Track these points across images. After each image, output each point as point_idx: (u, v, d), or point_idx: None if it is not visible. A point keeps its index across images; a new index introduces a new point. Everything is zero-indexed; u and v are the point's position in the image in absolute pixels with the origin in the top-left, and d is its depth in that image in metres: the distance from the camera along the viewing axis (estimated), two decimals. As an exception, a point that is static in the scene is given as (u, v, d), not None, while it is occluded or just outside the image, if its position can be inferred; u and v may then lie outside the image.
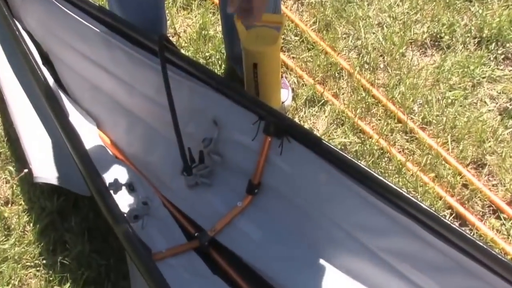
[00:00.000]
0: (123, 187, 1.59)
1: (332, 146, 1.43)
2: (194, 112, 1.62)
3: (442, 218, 1.27)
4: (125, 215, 1.48)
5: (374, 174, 1.35)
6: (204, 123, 1.60)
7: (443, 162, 1.80)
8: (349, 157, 1.39)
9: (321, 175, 1.44)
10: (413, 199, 1.31)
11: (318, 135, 1.92)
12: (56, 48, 1.85)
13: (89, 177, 1.40)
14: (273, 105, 1.68)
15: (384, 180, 1.34)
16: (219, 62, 2.10)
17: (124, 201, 1.57)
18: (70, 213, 1.68)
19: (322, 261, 1.45)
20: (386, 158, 1.83)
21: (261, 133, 1.50)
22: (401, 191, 1.33)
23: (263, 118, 1.49)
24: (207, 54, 2.13)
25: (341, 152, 1.40)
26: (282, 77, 2.03)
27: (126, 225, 1.30)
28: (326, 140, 1.47)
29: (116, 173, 1.64)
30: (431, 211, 1.28)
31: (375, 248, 1.39)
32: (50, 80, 1.78)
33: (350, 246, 1.42)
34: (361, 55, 2.11)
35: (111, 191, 1.52)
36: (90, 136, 1.74)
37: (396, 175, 1.77)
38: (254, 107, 1.50)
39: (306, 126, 1.96)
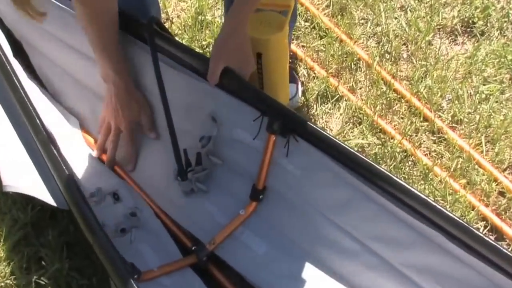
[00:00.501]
0: (107, 197, 1.58)
1: (347, 147, 1.41)
2: (190, 107, 1.61)
3: (475, 230, 1.27)
4: (110, 228, 1.49)
5: (396, 179, 1.34)
6: (202, 120, 1.59)
7: (476, 167, 1.80)
8: (367, 160, 1.38)
9: (334, 179, 1.43)
10: (441, 208, 1.30)
11: (331, 135, 1.92)
12: (31, 36, 1.82)
13: (65, 187, 1.37)
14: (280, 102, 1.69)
15: (408, 186, 1.33)
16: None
17: (109, 213, 1.56)
18: (46, 225, 1.66)
19: (334, 278, 1.44)
20: (410, 162, 1.83)
21: (264, 131, 1.49)
22: (427, 199, 1.32)
23: (266, 114, 1.48)
24: (204, 42, 2.11)
25: (357, 154, 1.39)
26: (290, 69, 2.03)
27: (106, 241, 1.30)
28: (341, 140, 1.47)
29: (101, 180, 1.64)
30: (463, 222, 1.28)
31: (396, 263, 1.39)
32: (22, 74, 1.75)
33: (367, 260, 1.41)
34: (381, 43, 2.11)
35: (93, 202, 1.52)
36: (72, 137, 1.73)
37: (422, 181, 1.77)
38: (255, 101, 1.49)
39: (318, 125, 1.94)
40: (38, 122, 1.51)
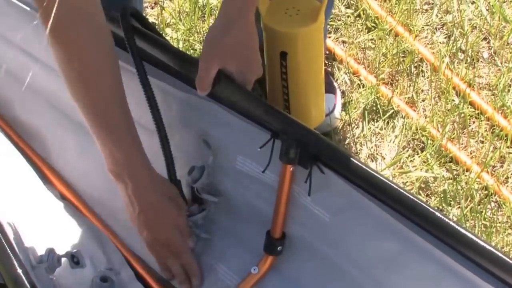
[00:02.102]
0: (64, 260, 1.53)
1: (395, 185, 1.36)
2: (174, 127, 1.58)
3: None
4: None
5: (467, 233, 1.28)
6: (191, 145, 1.60)
7: None
8: (424, 204, 1.33)
9: (378, 227, 1.40)
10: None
11: (384, 164, 1.90)
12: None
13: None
14: (314, 121, 1.64)
15: (483, 243, 1.27)
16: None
17: (68, 281, 1.54)
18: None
19: None
20: (493, 204, 1.81)
21: (277, 160, 1.46)
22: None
23: (277, 136, 1.45)
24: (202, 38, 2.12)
25: (411, 195, 1.34)
26: (325, 74, 2.02)
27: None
28: (394, 173, 1.45)
29: (58, 231, 1.62)
30: None
31: None
32: None
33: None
34: (452, 38, 2.10)
35: (44, 269, 1.48)
36: (18, 169, 1.73)
37: (511, 231, 1.75)
38: (263, 118, 1.46)
39: (365, 151, 1.92)
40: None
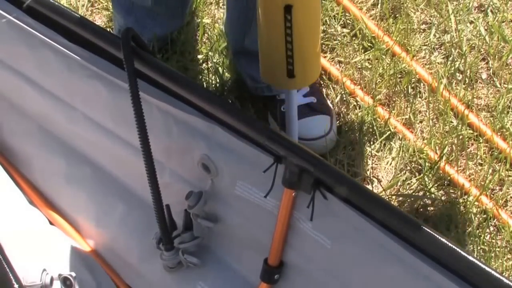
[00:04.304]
0: (55, 283, 1.56)
1: (398, 210, 1.38)
2: (171, 150, 1.61)
3: None
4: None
5: (470, 258, 1.28)
6: (189, 169, 1.61)
7: None
8: (427, 229, 1.33)
9: (380, 254, 1.39)
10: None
11: (380, 187, 1.90)
12: None
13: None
14: (316, 75, 1.64)
15: (487, 268, 1.27)
16: (219, 68, 2.11)
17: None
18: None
19: None
20: (492, 228, 1.83)
21: (279, 185, 1.47)
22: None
23: (281, 160, 1.46)
24: (199, 56, 2.13)
25: (414, 219, 1.36)
26: (321, 94, 2.03)
27: None
28: (391, 196, 1.45)
29: (48, 255, 1.64)
30: None
31: None
32: None
33: None
34: (450, 58, 2.12)
35: None
36: (4, 190, 1.75)
37: (510, 256, 1.76)
38: (266, 142, 1.46)
39: (361, 173, 1.92)
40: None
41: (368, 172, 1.94)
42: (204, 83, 2.09)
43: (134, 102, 1.48)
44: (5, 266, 1.39)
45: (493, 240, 1.81)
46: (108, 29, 2.14)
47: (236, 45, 2.02)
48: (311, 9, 1.57)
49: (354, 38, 2.17)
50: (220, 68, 2.11)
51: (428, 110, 2.03)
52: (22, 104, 1.83)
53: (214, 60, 2.12)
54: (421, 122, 2.02)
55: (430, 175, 1.91)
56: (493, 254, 1.77)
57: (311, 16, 1.58)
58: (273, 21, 1.55)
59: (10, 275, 1.37)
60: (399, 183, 1.91)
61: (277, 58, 1.59)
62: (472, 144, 1.97)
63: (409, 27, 2.17)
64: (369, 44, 2.16)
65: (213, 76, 2.10)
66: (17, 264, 1.43)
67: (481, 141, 1.97)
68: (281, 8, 1.52)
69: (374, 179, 1.93)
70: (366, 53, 2.14)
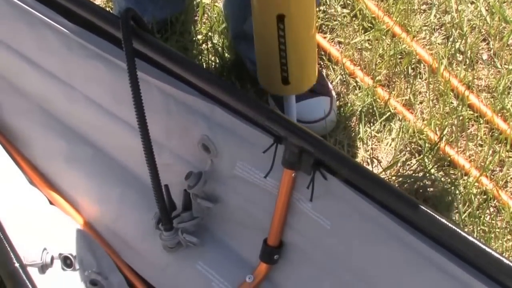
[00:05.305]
0: (55, 262, 1.58)
1: (399, 190, 1.39)
2: (172, 131, 1.62)
3: None
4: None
5: (471, 238, 1.30)
6: (189, 149, 1.62)
7: None
8: (427, 209, 1.34)
9: (379, 235, 1.41)
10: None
11: (380, 168, 1.91)
12: None
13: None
14: (312, 81, 1.67)
15: (487, 249, 1.28)
16: (219, 49, 2.12)
17: (58, 283, 1.56)
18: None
19: None
20: (492, 209, 1.83)
21: (279, 165, 1.48)
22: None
23: (281, 141, 1.46)
24: (199, 36, 2.13)
25: (413, 199, 1.36)
26: (321, 75, 2.02)
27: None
28: (391, 177, 1.44)
29: (49, 234, 1.65)
30: None
31: None
32: None
33: None
34: (450, 39, 2.12)
35: (36, 270, 1.52)
36: (5, 170, 1.76)
37: (510, 237, 1.76)
38: (267, 122, 1.47)
39: (361, 154, 1.93)
40: None
41: (368, 153, 1.94)
42: (204, 63, 2.09)
43: (131, 82, 1.49)
44: (6, 245, 1.41)
45: (493, 221, 1.81)
46: (107, 9, 2.14)
47: (236, 28, 2.02)
48: (304, 18, 1.58)
49: (354, 18, 2.16)
50: (219, 49, 2.11)
51: (428, 91, 2.04)
52: (21, 84, 1.84)
53: (214, 41, 2.12)
54: (421, 103, 2.03)
55: (430, 156, 1.92)
56: (493, 235, 1.77)
57: (304, 25, 1.60)
58: (267, 30, 1.58)
59: (11, 254, 1.40)
60: (399, 164, 1.92)
61: (271, 65, 1.62)
62: (473, 125, 1.98)
63: (409, 7, 2.17)
64: (369, 25, 2.15)
65: (213, 57, 2.10)
66: (17, 243, 1.46)
67: (481, 122, 1.98)
68: (274, 18, 1.54)
69: (374, 160, 1.93)
70: (366, 33, 2.14)
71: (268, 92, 1.89)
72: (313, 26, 1.63)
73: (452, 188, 1.85)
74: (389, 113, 2.00)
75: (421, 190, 1.87)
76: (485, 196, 1.85)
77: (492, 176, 1.89)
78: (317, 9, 2.08)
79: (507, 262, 1.26)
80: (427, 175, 1.90)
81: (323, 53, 2.08)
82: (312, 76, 1.68)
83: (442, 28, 2.16)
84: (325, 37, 2.13)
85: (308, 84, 1.69)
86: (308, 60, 1.66)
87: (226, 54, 2.10)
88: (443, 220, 1.32)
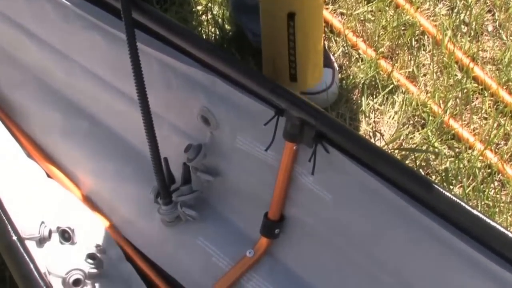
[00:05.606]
0: (53, 235, 1.58)
1: (402, 163, 1.38)
2: (172, 104, 1.62)
3: None
4: (57, 280, 1.49)
5: (475, 212, 1.30)
6: (189, 122, 1.61)
7: None
8: (430, 182, 1.34)
9: (382, 208, 1.41)
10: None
11: (383, 141, 1.90)
12: None
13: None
14: (318, 77, 1.69)
15: (491, 222, 1.28)
16: (219, 20, 2.11)
17: (56, 256, 1.56)
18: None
19: None
20: (496, 183, 1.83)
21: (280, 138, 1.47)
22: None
23: (282, 113, 1.46)
24: (198, 7, 2.12)
25: (417, 172, 1.37)
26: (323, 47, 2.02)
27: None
28: (393, 150, 1.44)
29: (47, 208, 1.65)
30: None
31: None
32: None
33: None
34: (455, 10, 2.12)
35: (33, 243, 1.53)
36: (2, 142, 1.75)
37: (514, 210, 1.77)
38: (268, 94, 1.47)
39: (363, 127, 1.93)
40: None
41: (370, 126, 1.94)
42: (204, 35, 2.08)
43: (131, 53, 1.48)
44: (4, 218, 1.41)
45: (498, 195, 1.81)
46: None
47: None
48: (314, 17, 1.60)
49: (357, -11, 2.16)
50: (220, 20, 2.10)
51: (432, 63, 2.03)
52: (18, 55, 1.84)
53: (214, 12, 2.11)
54: (424, 75, 2.02)
55: (434, 129, 1.91)
56: (497, 209, 1.77)
57: (314, 23, 1.61)
58: (276, 27, 1.59)
59: (9, 227, 1.39)
60: (401, 137, 1.92)
61: (280, 62, 1.63)
62: (477, 98, 1.97)
63: (413, -23, 2.16)
64: (372, -5, 2.14)
65: (213, 28, 2.10)
66: (15, 217, 1.45)
67: (486, 94, 1.97)
68: (285, 15, 1.56)
69: (377, 133, 1.93)
70: (369, 4, 2.13)
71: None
72: (322, 24, 1.65)
73: (456, 161, 1.85)
74: (392, 85, 1.99)
75: (424, 164, 1.87)
76: (489, 170, 1.85)
77: (496, 150, 1.89)
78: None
79: (512, 236, 1.25)
80: (431, 148, 1.89)
81: (325, 24, 2.07)
82: (318, 73, 1.70)
83: (447, -1, 2.14)
84: (327, 8, 2.12)
85: (314, 81, 1.72)
86: (316, 57, 1.68)
87: (226, 25, 2.10)
88: (447, 194, 1.32)
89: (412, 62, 2.04)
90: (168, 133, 1.63)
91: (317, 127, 1.42)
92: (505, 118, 1.93)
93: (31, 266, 1.35)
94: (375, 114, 1.97)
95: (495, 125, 1.92)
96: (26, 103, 1.82)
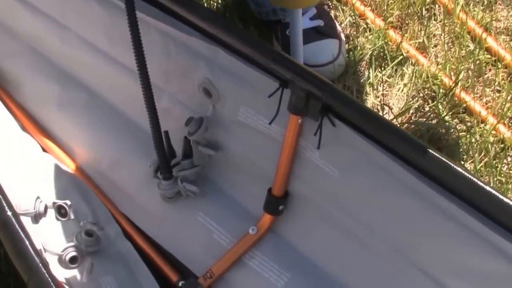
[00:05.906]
0: (49, 211, 1.56)
1: (411, 137, 1.36)
2: (171, 74, 1.61)
3: None
4: (54, 257, 1.49)
5: (488, 188, 1.28)
6: (189, 94, 1.60)
7: None
8: (441, 156, 1.32)
9: (390, 183, 1.40)
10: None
11: (391, 115, 1.88)
12: None
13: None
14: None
15: (505, 199, 1.26)
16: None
17: (52, 233, 1.56)
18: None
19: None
20: (510, 158, 1.82)
21: (284, 111, 1.46)
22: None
23: (287, 85, 1.45)
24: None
25: (427, 146, 1.34)
26: (329, 17, 1.99)
27: (47, 276, 1.28)
28: (402, 124, 1.42)
29: (42, 183, 1.65)
30: None
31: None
32: None
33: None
34: (467, -23, 2.09)
35: (29, 219, 1.50)
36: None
37: (527, 187, 1.75)
38: (272, 65, 1.45)
39: (371, 100, 1.91)
40: None
41: (379, 99, 1.92)
42: (205, 3, 2.07)
43: (130, 21, 1.45)
44: None
45: (511, 171, 1.80)
46: None
47: None
48: None
49: (365, -46, 2.14)
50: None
51: (443, 34, 2.01)
52: (13, 24, 1.82)
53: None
54: (435, 46, 2.01)
55: (445, 102, 1.89)
56: (510, 186, 1.76)
57: None
58: None
59: (3, 202, 1.38)
60: (411, 111, 1.90)
61: None
62: (490, 70, 1.95)
63: None
64: (381, -38, 2.12)
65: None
66: (10, 192, 1.44)
67: (499, 66, 1.95)
68: None
69: (385, 106, 1.91)
70: (377, -28, 2.10)
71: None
72: None
73: (468, 136, 1.83)
74: (401, 57, 1.98)
75: (434, 138, 1.85)
76: (502, 145, 1.83)
77: (510, 124, 1.87)
78: None
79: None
80: (441, 122, 1.88)
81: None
82: None
83: (459, -34, 2.13)
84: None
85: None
86: None
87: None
88: (458, 169, 1.30)
89: (423, 32, 2.02)
90: (168, 105, 1.62)
91: (323, 99, 1.40)
92: (519, 91, 1.90)
93: (27, 242, 1.34)
94: (383, 86, 1.95)
95: (509, 98, 1.90)
96: (20, 74, 1.82)
